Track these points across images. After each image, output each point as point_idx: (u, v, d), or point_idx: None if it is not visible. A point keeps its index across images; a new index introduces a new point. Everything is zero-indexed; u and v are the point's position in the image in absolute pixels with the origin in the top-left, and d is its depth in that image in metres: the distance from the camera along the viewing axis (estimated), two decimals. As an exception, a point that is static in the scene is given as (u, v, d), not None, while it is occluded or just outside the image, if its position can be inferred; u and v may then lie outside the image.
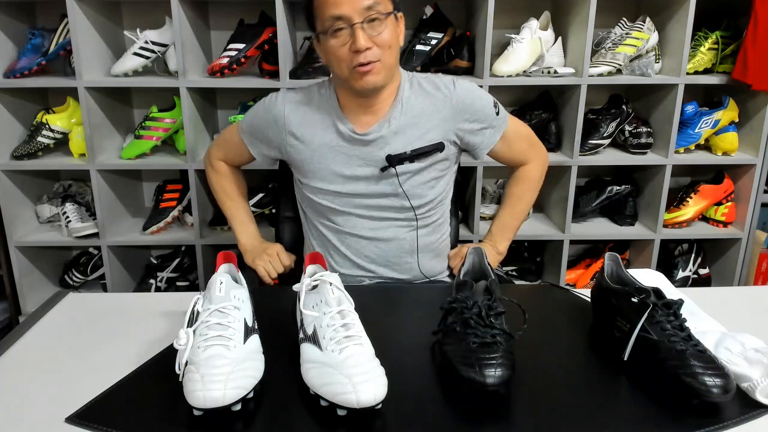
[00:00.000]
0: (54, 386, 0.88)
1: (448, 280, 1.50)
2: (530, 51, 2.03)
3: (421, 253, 1.42)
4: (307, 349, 0.86)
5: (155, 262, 2.28)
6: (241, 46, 2.01)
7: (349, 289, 0.93)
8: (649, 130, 2.15)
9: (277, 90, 1.43)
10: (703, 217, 2.30)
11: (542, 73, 2.05)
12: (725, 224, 2.24)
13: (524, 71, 2.04)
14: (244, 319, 0.88)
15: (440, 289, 1.26)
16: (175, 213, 2.20)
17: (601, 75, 2.02)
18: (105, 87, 2.06)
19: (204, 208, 2.17)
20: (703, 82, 2.08)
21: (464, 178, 2.21)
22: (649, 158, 2.16)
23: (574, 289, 1.19)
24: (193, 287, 2.29)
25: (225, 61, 2.00)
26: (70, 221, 2.13)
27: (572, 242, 2.28)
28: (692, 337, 0.88)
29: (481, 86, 1.59)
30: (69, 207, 2.15)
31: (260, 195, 2.20)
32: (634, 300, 0.92)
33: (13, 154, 2.09)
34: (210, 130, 2.21)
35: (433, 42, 2.04)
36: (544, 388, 0.87)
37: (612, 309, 0.97)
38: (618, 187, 2.25)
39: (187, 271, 2.31)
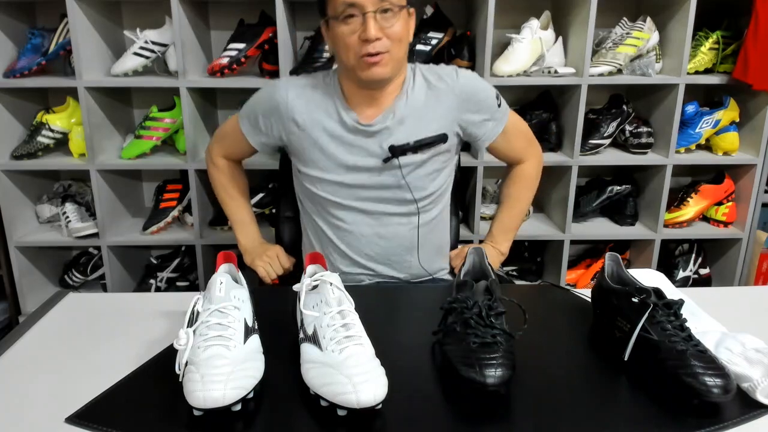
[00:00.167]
0: (54, 386, 0.88)
1: (448, 277, 1.50)
2: (531, 51, 2.03)
3: (421, 248, 1.41)
4: (307, 349, 0.86)
5: (155, 262, 2.28)
6: (241, 46, 2.01)
7: (349, 289, 0.93)
8: (649, 130, 2.15)
9: (277, 90, 1.42)
10: (704, 217, 2.29)
11: (543, 72, 2.05)
12: (726, 224, 2.24)
13: (525, 71, 2.04)
14: (244, 319, 0.88)
15: (440, 289, 1.26)
16: (175, 213, 2.20)
17: (601, 75, 2.02)
18: (105, 87, 2.06)
19: (204, 208, 2.17)
20: (704, 82, 2.08)
21: (464, 178, 2.21)
22: (650, 158, 2.15)
23: (575, 289, 1.19)
24: (193, 287, 2.29)
25: (225, 61, 2.00)
26: (70, 221, 2.13)
27: (572, 242, 2.28)
28: (693, 337, 0.88)
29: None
30: (69, 207, 2.15)
31: (260, 195, 2.20)
32: (635, 300, 0.92)
33: (13, 154, 2.09)
34: (210, 130, 2.21)
35: (434, 42, 2.04)
36: (544, 388, 0.87)
37: (612, 309, 0.97)
38: (618, 187, 2.25)
39: (187, 271, 2.31)
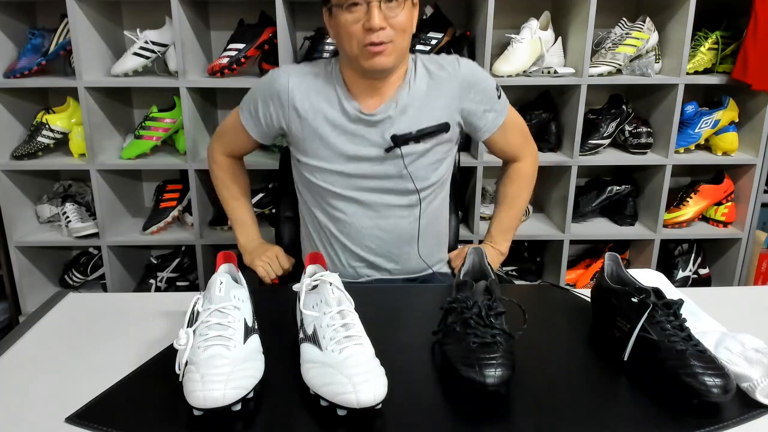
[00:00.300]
0: (54, 386, 0.88)
1: (446, 269, 1.50)
2: (530, 51, 2.03)
3: (421, 240, 1.40)
4: (307, 349, 0.86)
5: (155, 262, 2.28)
6: (241, 46, 2.01)
7: (349, 289, 0.93)
8: (649, 130, 2.15)
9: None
10: (703, 217, 2.30)
11: (542, 73, 2.05)
12: (725, 224, 2.24)
13: (524, 71, 2.04)
14: (244, 319, 0.88)
15: (440, 289, 1.26)
16: (175, 213, 2.20)
17: (601, 75, 2.02)
18: (105, 87, 2.06)
19: (204, 208, 2.17)
20: (703, 82, 2.08)
21: (464, 178, 2.21)
22: (649, 158, 2.16)
23: (574, 289, 1.19)
24: (193, 287, 2.29)
25: (225, 61, 2.00)
26: (70, 221, 2.13)
27: (572, 242, 2.28)
28: (692, 337, 0.88)
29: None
30: (69, 207, 2.15)
31: (260, 195, 2.21)
32: (634, 300, 0.92)
33: (13, 154, 2.09)
34: (210, 130, 2.21)
35: (433, 42, 2.04)
36: (544, 388, 0.87)
37: (612, 309, 0.97)
38: (618, 187, 2.25)
39: (187, 271, 2.31)
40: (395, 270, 1.42)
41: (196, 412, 0.78)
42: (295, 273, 1.45)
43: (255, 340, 0.89)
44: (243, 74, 2.08)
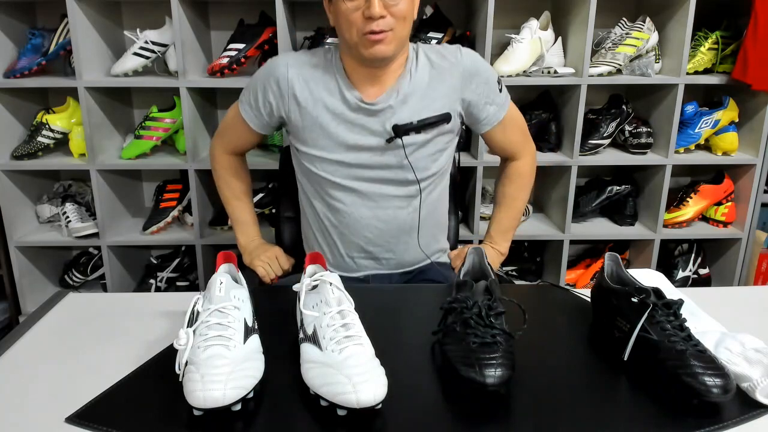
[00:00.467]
0: (54, 386, 0.88)
1: (446, 259, 1.49)
2: (530, 51, 2.03)
3: (421, 230, 1.39)
4: (307, 349, 0.86)
5: (155, 262, 2.28)
6: (241, 46, 2.01)
7: (349, 289, 0.93)
8: (649, 130, 2.15)
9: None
10: (703, 217, 2.30)
11: (542, 73, 2.05)
12: (725, 224, 2.24)
13: (524, 71, 2.05)
14: (244, 319, 0.88)
15: (440, 289, 1.26)
16: (175, 213, 2.20)
17: (601, 75, 2.02)
18: (105, 87, 2.06)
19: (204, 208, 2.17)
20: (703, 82, 2.08)
21: (464, 178, 2.21)
22: (649, 158, 2.16)
23: (574, 289, 1.19)
24: (193, 287, 2.29)
25: (225, 61, 2.00)
26: (70, 221, 2.13)
27: (572, 242, 2.28)
28: (692, 337, 0.88)
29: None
30: (69, 207, 2.15)
31: (260, 195, 2.21)
32: (634, 300, 0.92)
33: (13, 154, 2.09)
34: (210, 130, 2.21)
35: (433, 42, 2.04)
36: (544, 388, 0.87)
37: (612, 309, 0.97)
38: (618, 187, 2.25)
39: (187, 271, 2.31)
40: (393, 260, 1.42)
41: (196, 412, 0.78)
42: (295, 273, 1.45)
43: (255, 340, 0.89)
44: (243, 74, 2.08)
